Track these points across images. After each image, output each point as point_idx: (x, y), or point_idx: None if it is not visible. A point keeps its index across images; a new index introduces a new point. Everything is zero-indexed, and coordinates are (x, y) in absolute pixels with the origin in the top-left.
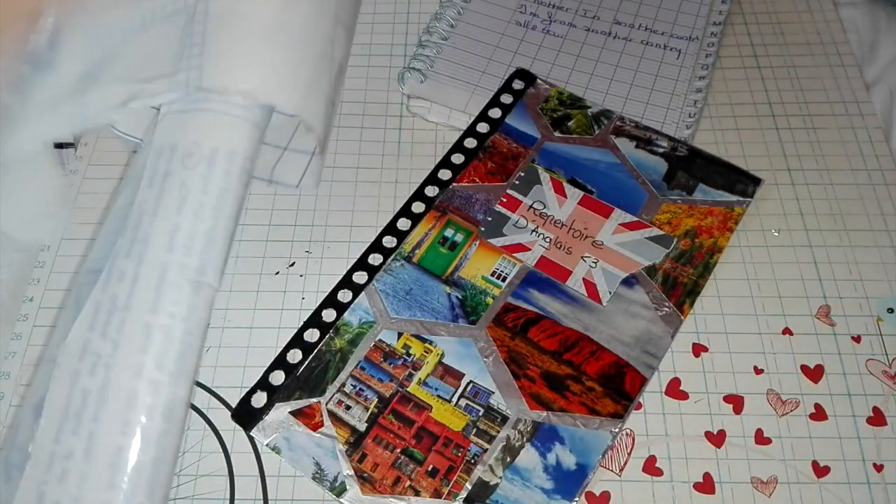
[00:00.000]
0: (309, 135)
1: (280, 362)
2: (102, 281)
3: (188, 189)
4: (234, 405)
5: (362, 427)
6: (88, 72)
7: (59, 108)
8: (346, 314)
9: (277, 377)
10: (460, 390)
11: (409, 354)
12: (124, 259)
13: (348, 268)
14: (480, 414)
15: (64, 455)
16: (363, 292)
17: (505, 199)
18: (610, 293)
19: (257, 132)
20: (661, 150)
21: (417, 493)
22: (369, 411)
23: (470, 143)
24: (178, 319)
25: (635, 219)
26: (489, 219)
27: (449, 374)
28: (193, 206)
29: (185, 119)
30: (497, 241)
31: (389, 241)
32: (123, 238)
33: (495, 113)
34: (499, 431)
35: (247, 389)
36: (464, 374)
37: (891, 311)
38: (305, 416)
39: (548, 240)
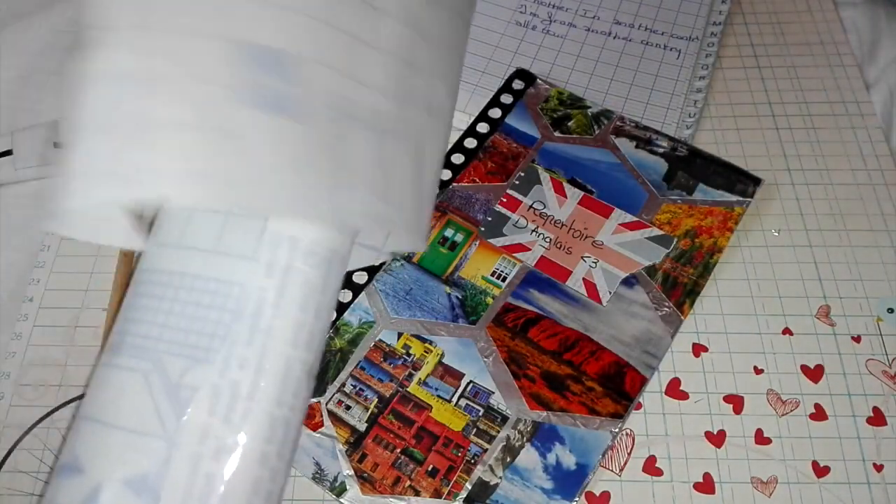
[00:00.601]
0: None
1: None
2: (220, 365)
3: (312, 288)
4: None
5: (362, 427)
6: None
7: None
8: (346, 314)
9: None
10: (460, 390)
11: (409, 354)
12: (245, 347)
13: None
14: (480, 414)
15: None
16: (363, 292)
17: (505, 199)
18: (610, 293)
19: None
20: (661, 150)
21: (417, 493)
22: (369, 411)
23: (470, 143)
24: (297, 412)
25: (635, 219)
26: (489, 219)
27: (449, 374)
28: (315, 305)
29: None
30: (497, 241)
31: None
32: (239, 324)
33: (495, 113)
34: (499, 431)
35: None
36: (464, 374)
37: (891, 311)
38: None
39: (548, 240)
